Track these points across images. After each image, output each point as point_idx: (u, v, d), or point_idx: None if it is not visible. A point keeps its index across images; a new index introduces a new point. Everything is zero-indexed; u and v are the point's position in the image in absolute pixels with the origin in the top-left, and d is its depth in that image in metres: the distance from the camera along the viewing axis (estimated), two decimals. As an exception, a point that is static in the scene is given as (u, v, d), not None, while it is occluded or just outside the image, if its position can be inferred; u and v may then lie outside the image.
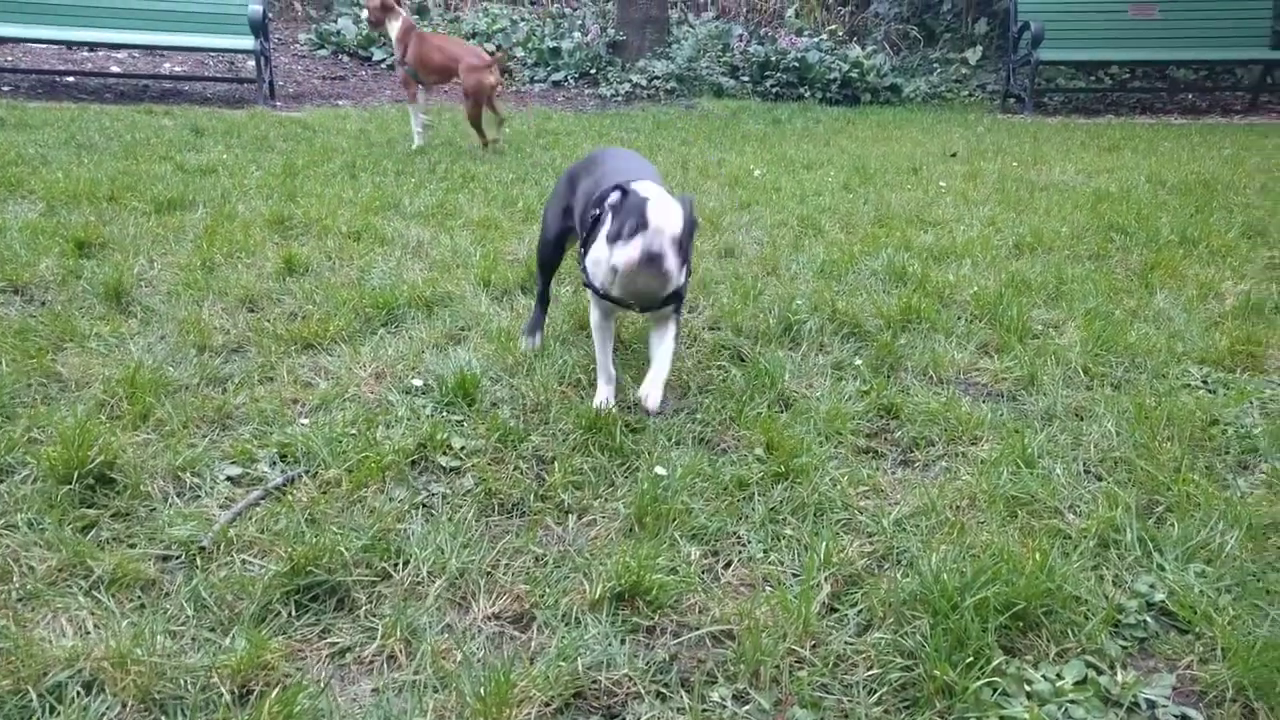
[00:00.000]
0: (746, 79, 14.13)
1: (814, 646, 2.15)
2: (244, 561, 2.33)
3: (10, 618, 2.05)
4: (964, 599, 2.21)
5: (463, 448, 2.96)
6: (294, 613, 2.17)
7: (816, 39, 14.81)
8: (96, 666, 1.90)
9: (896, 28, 16.38)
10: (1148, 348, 3.89)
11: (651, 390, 3.01)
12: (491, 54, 8.43)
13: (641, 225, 2.72)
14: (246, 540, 2.42)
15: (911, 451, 3.10)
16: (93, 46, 13.19)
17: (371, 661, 2.04)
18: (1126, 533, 2.56)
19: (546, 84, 14.17)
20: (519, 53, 14.59)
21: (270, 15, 12.27)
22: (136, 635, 2.00)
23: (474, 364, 3.49)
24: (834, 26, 16.14)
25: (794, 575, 2.41)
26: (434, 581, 2.31)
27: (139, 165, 6.97)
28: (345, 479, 2.72)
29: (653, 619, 2.23)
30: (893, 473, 2.96)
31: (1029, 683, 2.05)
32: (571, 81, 14.21)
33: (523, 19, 15.93)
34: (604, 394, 3.20)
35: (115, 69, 12.82)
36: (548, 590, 2.29)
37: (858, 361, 3.75)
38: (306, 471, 2.77)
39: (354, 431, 3.00)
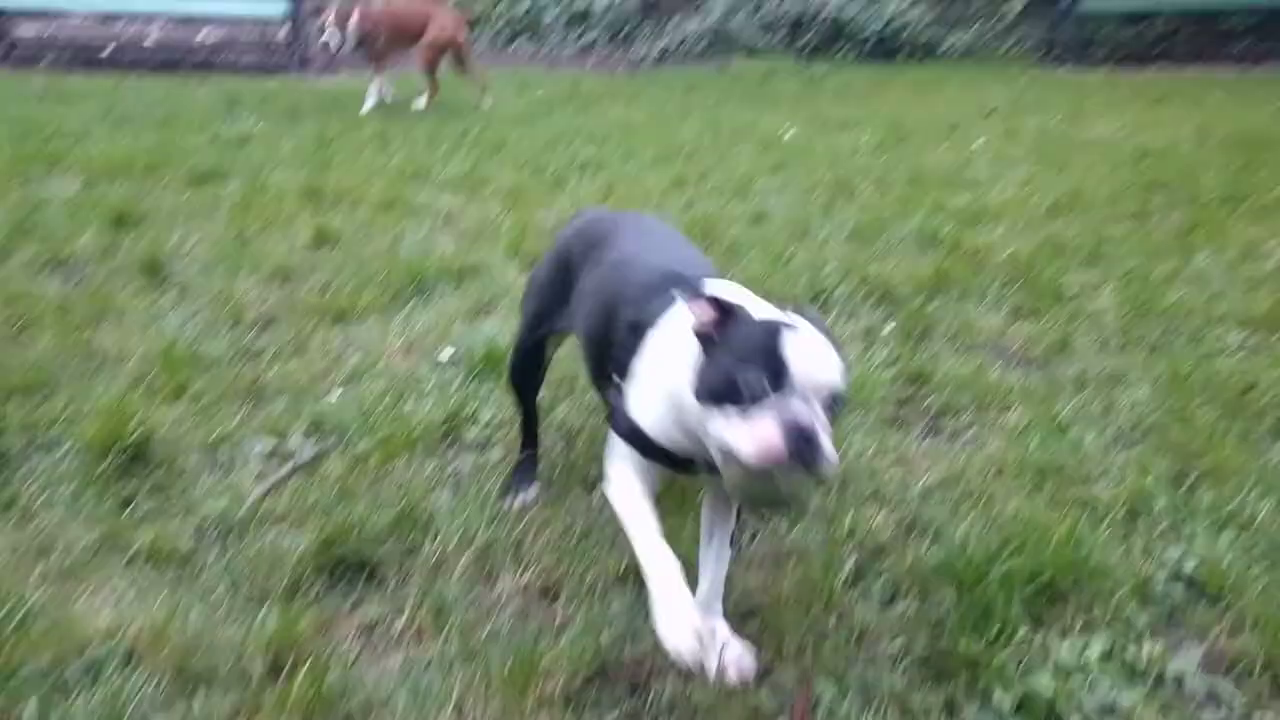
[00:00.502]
0: (782, 35, 13.86)
1: (839, 619, 2.16)
2: (276, 536, 2.38)
3: (51, 593, 2.13)
4: (990, 570, 2.20)
5: (491, 419, 2.98)
6: (325, 586, 2.22)
7: (852, -8, 14.46)
8: (134, 641, 1.97)
9: (934, -21, 15.93)
10: (1186, 310, 3.80)
11: (724, 634, 1.96)
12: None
13: (777, 381, 1.57)
14: (279, 514, 2.47)
15: (940, 420, 3.08)
16: (129, 18, 13.29)
17: (401, 635, 2.09)
18: (1157, 501, 2.52)
19: (575, 48, 14.02)
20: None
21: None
22: (173, 609, 2.06)
23: (502, 336, 3.51)
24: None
25: (819, 547, 2.41)
26: (462, 554, 2.34)
27: (175, 137, 7.06)
28: (375, 452, 2.76)
29: (676, 591, 2.24)
30: (920, 442, 2.94)
31: (1054, 655, 2.04)
32: (603, 43, 14.05)
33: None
34: (677, 613, 1.69)
35: (150, 41, 12.92)
36: (574, 563, 2.32)
37: (887, 329, 3.71)
38: (337, 445, 2.82)
39: (384, 405, 3.04)
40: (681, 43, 13.59)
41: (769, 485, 1.59)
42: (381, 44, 8.63)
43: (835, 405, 1.63)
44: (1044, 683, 1.95)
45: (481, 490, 2.61)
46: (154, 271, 4.17)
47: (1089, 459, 2.76)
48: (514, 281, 4.15)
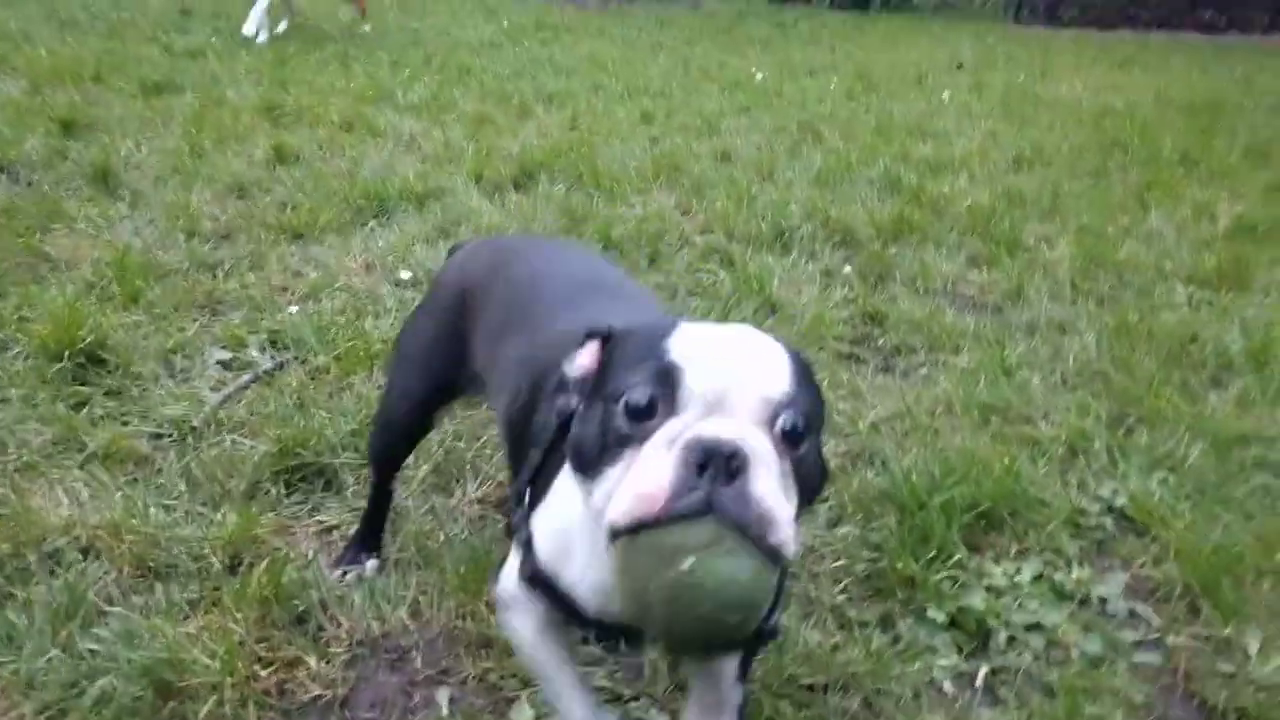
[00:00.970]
0: (754, -23, 13.68)
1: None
2: (234, 442, 2.38)
3: (9, 486, 2.11)
4: (931, 498, 2.28)
5: (451, 340, 2.99)
6: (283, 492, 2.23)
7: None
8: (92, 535, 1.97)
9: (912, -72, 15.80)
10: (1137, 265, 3.91)
11: None
12: None
13: (665, 389, 1.01)
14: (236, 421, 2.47)
15: (893, 358, 3.15)
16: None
17: (358, 539, 2.12)
18: (1096, 441, 2.63)
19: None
20: None
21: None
22: (130, 507, 2.06)
23: (464, 259, 3.50)
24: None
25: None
26: (419, 468, 2.37)
27: (125, 46, 6.80)
28: (333, 366, 2.76)
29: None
30: (873, 378, 3.01)
31: (988, 577, 2.14)
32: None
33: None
34: None
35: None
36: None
37: (847, 269, 3.77)
38: (295, 358, 2.81)
39: (343, 321, 3.02)
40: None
41: (682, 587, 0.89)
42: None
43: (793, 431, 1.00)
44: (976, 601, 2.05)
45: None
46: (105, 180, 4.06)
47: (1033, 400, 2.86)
48: (476, 205, 4.12)
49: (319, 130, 5.14)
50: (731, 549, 0.89)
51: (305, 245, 3.64)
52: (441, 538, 2.13)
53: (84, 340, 2.64)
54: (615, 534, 0.96)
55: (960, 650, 1.95)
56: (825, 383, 2.87)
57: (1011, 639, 1.98)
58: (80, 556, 1.92)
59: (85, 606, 1.80)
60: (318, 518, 2.18)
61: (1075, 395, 2.92)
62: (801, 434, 1.00)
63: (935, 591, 2.06)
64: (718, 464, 0.92)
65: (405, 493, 2.26)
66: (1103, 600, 2.10)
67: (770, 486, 0.94)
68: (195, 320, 2.98)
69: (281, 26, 8.21)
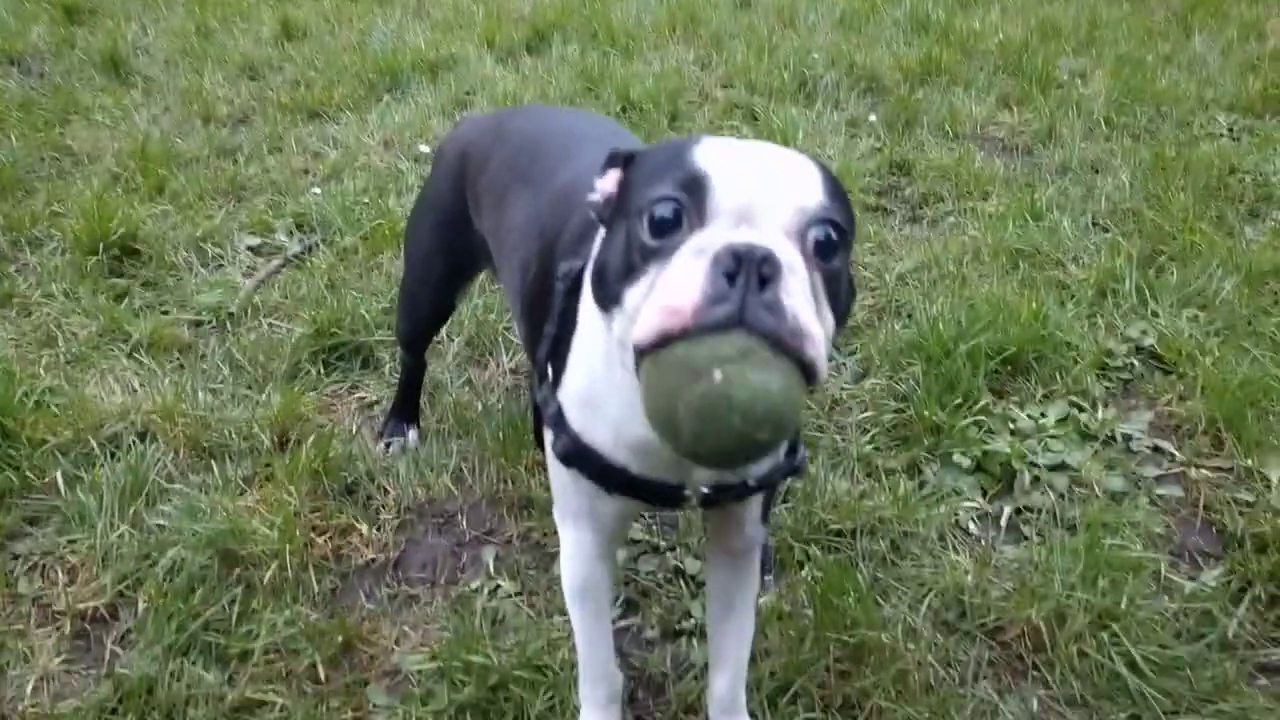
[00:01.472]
0: None
1: (810, 392, 2.27)
2: (271, 325, 2.45)
3: (63, 378, 2.21)
4: (958, 346, 2.29)
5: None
6: (322, 371, 2.30)
7: None
8: (147, 419, 2.07)
9: None
10: (1176, 95, 3.74)
11: None
12: None
13: (693, 199, 0.94)
14: (271, 306, 2.53)
15: (920, 208, 3.10)
16: None
17: (398, 413, 2.20)
18: (1125, 282, 2.60)
19: None
20: None
21: None
22: (179, 392, 2.15)
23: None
24: None
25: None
26: (453, 341, 2.42)
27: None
28: (361, 246, 2.78)
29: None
30: (900, 229, 2.98)
31: (1014, 421, 2.17)
32: None
33: None
34: None
35: None
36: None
37: (872, 117, 3.66)
38: (323, 240, 2.84)
39: (366, 200, 3.03)
40: None
41: (712, 400, 0.84)
42: None
43: (828, 242, 0.94)
44: (1001, 445, 2.09)
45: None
46: (115, 67, 4.01)
47: (1063, 243, 2.82)
48: (490, 73, 4.02)
49: (324, 1, 4.99)
50: (763, 361, 0.84)
51: (322, 124, 3.61)
52: (479, 408, 2.20)
53: (116, 233, 2.68)
54: (641, 354, 0.90)
55: (985, 493, 2.01)
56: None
57: (1036, 479, 2.03)
58: (138, 440, 2.02)
59: (148, 486, 1.91)
60: (358, 394, 2.26)
61: (1106, 236, 2.87)
62: (835, 245, 0.94)
63: (961, 437, 2.10)
64: (749, 271, 0.86)
65: (440, 367, 2.33)
66: (1127, 438, 2.14)
67: (804, 298, 0.89)
68: (221, 207, 3.00)
69: None
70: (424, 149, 3.37)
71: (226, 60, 4.12)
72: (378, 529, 1.89)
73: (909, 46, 4.32)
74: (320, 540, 1.84)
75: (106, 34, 4.31)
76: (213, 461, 1.99)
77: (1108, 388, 2.29)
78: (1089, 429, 2.16)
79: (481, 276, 1.91)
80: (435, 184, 1.82)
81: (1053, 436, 2.14)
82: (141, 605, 1.70)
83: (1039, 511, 1.96)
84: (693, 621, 1.71)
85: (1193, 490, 1.99)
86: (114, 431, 2.04)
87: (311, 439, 2.00)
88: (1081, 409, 2.21)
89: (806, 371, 0.88)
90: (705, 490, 1.18)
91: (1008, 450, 2.07)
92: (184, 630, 1.64)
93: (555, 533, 1.82)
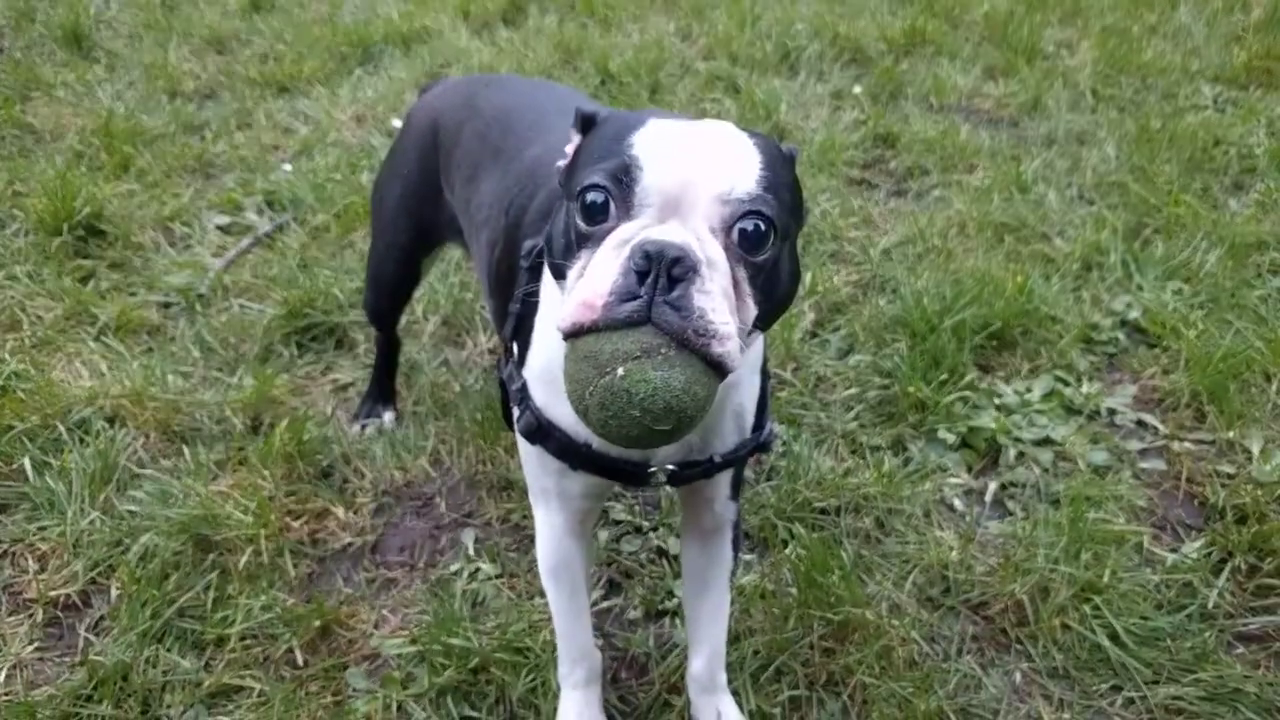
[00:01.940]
0: None
1: (795, 370, 2.25)
2: (242, 306, 2.39)
3: (29, 362, 2.15)
4: (943, 321, 2.27)
5: (450, 190, 2.93)
6: (295, 352, 2.26)
7: None
8: (116, 404, 2.02)
9: None
10: (1161, 67, 3.71)
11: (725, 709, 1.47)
12: None
13: (622, 188, 0.96)
14: (242, 286, 2.47)
15: (905, 182, 3.07)
16: None
17: (374, 394, 2.16)
18: (1111, 255, 2.58)
19: None
20: None
21: None
22: (148, 376, 2.10)
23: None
24: None
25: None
26: (429, 321, 2.38)
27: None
28: (333, 224, 2.72)
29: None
30: (885, 203, 2.94)
31: (999, 396, 2.16)
32: None
33: None
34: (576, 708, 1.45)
35: None
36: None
37: (857, 89, 3.61)
38: (294, 218, 2.77)
39: (339, 177, 2.96)
40: None
41: (615, 393, 0.89)
42: None
43: (755, 234, 0.95)
44: (987, 421, 2.07)
45: (444, 259, 2.61)
46: (77, 42, 3.89)
47: (1049, 216, 2.80)
48: (466, 45, 3.94)
49: (294, -28, 4.86)
50: (665, 359, 0.89)
51: (292, 99, 3.52)
52: (456, 388, 2.16)
53: (80, 212, 2.61)
54: (564, 337, 0.94)
55: (970, 468, 2.00)
56: (836, 211, 2.81)
57: (1021, 454, 2.02)
58: (107, 425, 1.97)
59: (118, 471, 1.87)
60: (332, 376, 2.21)
61: (1092, 209, 2.85)
62: (763, 238, 0.95)
63: (946, 413, 2.09)
64: (660, 271, 0.89)
65: (416, 347, 2.28)
66: (1111, 412, 2.13)
67: (713, 296, 0.91)
68: (189, 185, 2.93)
69: None
70: (397, 123, 3.28)
71: (192, 34, 4.01)
72: (355, 512, 1.85)
73: (893, 17, 4.26)
74: (296, 524, 1.80)
75: (68, 7, 4.18)
76: (184, 446, 1.94)
77: (1092, 362, 2.28)
78: (1074, 403, 2.15)
79: (449, 248, 1.87)
80: (403, 152, 1.77)
81: (1038, 411, 2.12)
82: (114, 592, 1.67)
83: (1023, 486, 1.95)
84: (675, 601, 1.69)
85: (1175, 463, 1.98)
86: (82, 416, 1.98)
87: (285, 422, 1.96)
88: (1066, 383, 2.20)
89: (714, 366, 0.91)
90: (671, 468, 1.18)
91: (993, 425, 2.05)
92: (158, 616, 1.61)
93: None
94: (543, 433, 1.19)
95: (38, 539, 1.75)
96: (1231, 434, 2.02)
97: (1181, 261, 2.55)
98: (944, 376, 2.15)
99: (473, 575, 1.74)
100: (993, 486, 1.95)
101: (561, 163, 1.09)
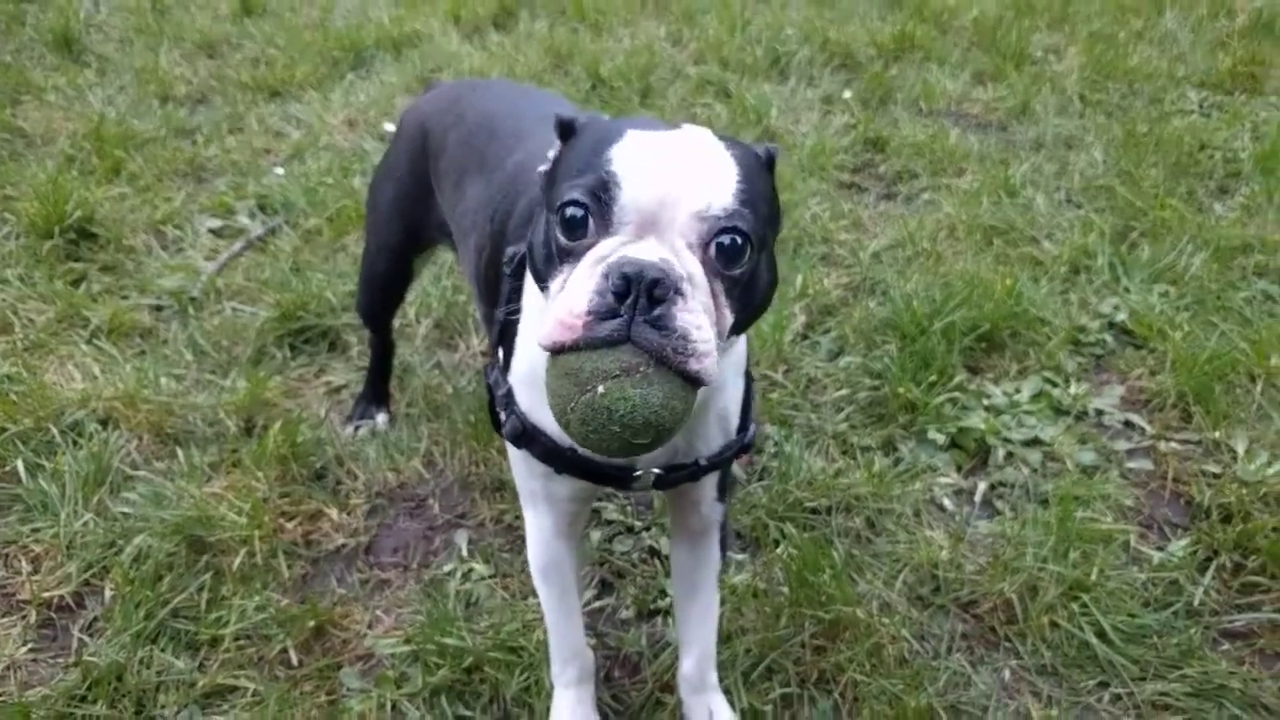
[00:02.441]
0: None
1: (786, 372, 2.26)
2: (234, 309, 2.39)
3: (21, 365, 2.15)
4: (933, 323, 2.29)
5: (443, 193, 2.94)
6: (288, 355, 2.26)
7: None
8: (109, 406, 2.02)
9: None
10: (1148, 72, 3.75)
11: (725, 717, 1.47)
12: None
13: (600, 204, 0.96)
14: (235, 289, 2.47)
15: (895, 185, 3.09)
16: None
17: (368, 396, 2.16)
18: (1098, 258, 2.61)
19: None
20: None
21: None
22: (141, 378, 2.10)
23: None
24: None
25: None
26: (421, 323, 2.38)
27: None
28: (326, 228, 2.73)
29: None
30: (875, 207, 2.97)
31: (988, 397, 2.18)
32: None
33: None
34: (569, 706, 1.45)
35: None
36: (532, 327, 2.37)
37: (847, 94, 3.63)
38: (286, 222, 2.78)
39: (330, 181, 2.96)
40: None
41: (595, 410, 0.91)
42: None
43: (732, 249, 0.96)
44: (976, 421, 2.09)
45: (436, 259, 2.62)
46: (68, 46, 3.89)
47: (1037, 219, 2.82)
48: (457, 50, 3.95)
49: (286, -23, 4.87)
50: (644, 377, 0.91)
51: (284, 103, 3.53)
52: (449, 390, 2.17)
53: (72, 216, 2.61)
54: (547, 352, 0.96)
55: (960, 469, 2.02)
56: (827, 214, 2.83)
57: (1009, 455, 2.04)
58: (100, 427, 1.97)
59: (112, 474, 1.87)
60: (325, 378, 2.22)
61: (1079, 212, 2.88)
62: (740, 252, 0.96)
63: (936, 414, 2.10)
64: (638, 291, 0.90)
65: (410, 349, 2.29)
66: (1099, 413, 2.15)
67: (693, 313, 0.92)
68: (180, 189, 2.93)
69: None
70: (389, 128, 3.30)
71: (183, 38, 4.02)
72: (348, 514, 1.86)
73: (883, 22, 4.30)
74: (290, 526, 1.81)
75: (58, 11, 4.18)
76: (178, 448, 1.94)
77: (1080, 363, 2.31)
78: (1062, 404, 2.17)
79: (440, 250, 1.88)
80: (395, 155, 1.81)
81: (1026, 412, 2.14)
82: (109, 593, 1.67)
83: (1012, 486, 1.97)
84: (667, 600, 1.70)
85: (1162, 463, 2.00)
86: (75, 419, 1.99)
87: (279, 424, 1.96)
88: (1055, 384, 2.22)
89: (691, 381, 0.93)
90: (657, 471, 1.19)
91: (982, 426, 2.07)
92: (152, 617, 1.61)
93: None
94: (528, 437, 1.20)
95: (31, 541, 1.76)
96: (1217, 434, 2.05)
97: (1168, 264, 2.58)
98: (934, 378, 2.17)
99: (466, 575, 1.75)
100: (982, 486, 1.97)
101: (543, 167, 1.09)
